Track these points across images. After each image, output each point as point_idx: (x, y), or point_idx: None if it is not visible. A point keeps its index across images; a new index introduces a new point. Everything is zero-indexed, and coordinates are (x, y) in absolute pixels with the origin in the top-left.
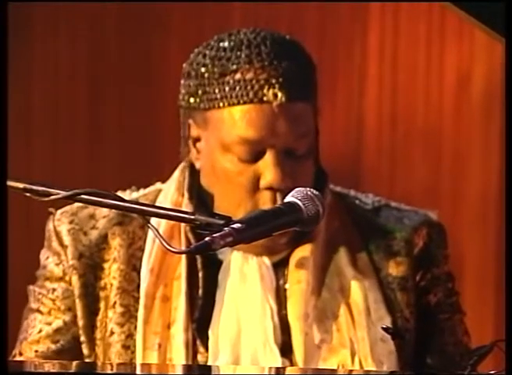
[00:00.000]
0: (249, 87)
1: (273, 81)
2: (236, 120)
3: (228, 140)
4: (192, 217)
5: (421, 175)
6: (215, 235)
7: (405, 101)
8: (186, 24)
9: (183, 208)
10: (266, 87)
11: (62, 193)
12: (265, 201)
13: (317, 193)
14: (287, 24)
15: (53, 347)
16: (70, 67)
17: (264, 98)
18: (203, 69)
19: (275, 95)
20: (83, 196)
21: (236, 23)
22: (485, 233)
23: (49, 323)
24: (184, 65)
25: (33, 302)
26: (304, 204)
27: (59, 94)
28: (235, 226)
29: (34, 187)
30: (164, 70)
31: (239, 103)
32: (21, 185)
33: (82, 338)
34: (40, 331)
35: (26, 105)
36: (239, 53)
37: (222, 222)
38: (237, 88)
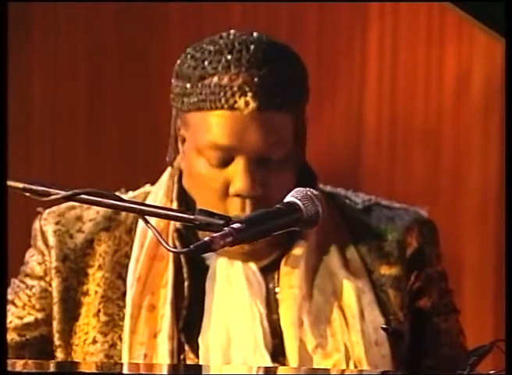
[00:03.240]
0: (222, 93)
1: (246, 89)
2: (208, 125)
3: (200, 144)
4: (192, 217)
5: (420, 175)
6: (214, 235)
7: (405, 102)
8: (185, 25)
9: None
10: (238, 94)
11: (62, 193)
12: (235, 208)
13: (316, 193)
14: (287, 25)
15: (17, 339)
16: (70, 66)
17: (235, 105)
18: (188, 71)
19: (247, 103)
20: (82, 196)
21: (235, 24)
22: (485, 233)
23: (21, 318)
24: (175, 65)
25: (10, 294)
26: (303, 204)
27: (59, 94)
28: (234, 226)
29: (34, 187)
30: (163, 70)
31: (211, 108)
32: (21, 185)
33: (58, 342)
34: (10, 322)
35: (26, 104)
36: (219, 57)
37: (221, 222)
38: (212, 93)
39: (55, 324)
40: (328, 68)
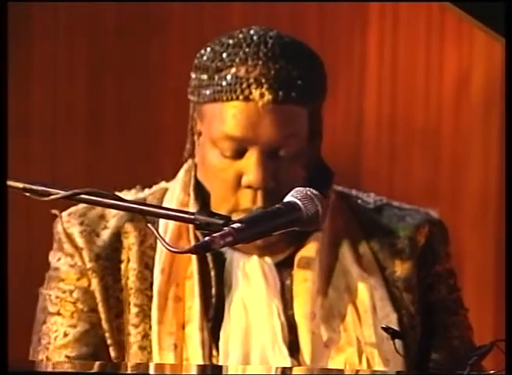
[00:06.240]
0: (238, 85)
1: (262, 80)
2: (223, 116)
3: (215, 135)
4: (192, 217)
5: (420, 175)
6: (214, 235)
7: (405, 101)
8: (185, 25)
9: (189, 208)
10: (254, 85)
11: (62, 192)
12: (246, 200)
13: (316, 193)
14: (287, 24)
15: (84, 350)
16: (70, 67)
17: (251, 97)
18: (206, 63)
19: (262, 95)
20: (82, 196)
21: (235, 23)
22: (485, 233)
23: (74, 326)
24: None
25: (50, 306)
26: (303, 203)
27: (59, 94)
28: (235, 225)
29: (34, 187)
30: (163, 71)
31: (227, 99)
32: (21, 185)
33: (109, 341)
34: (66, 335)
35: (26, 105)
36: (238, 50)
37: (221, 222)
38: (228, 84)
39: (103, 324)
40: (328, 68)
